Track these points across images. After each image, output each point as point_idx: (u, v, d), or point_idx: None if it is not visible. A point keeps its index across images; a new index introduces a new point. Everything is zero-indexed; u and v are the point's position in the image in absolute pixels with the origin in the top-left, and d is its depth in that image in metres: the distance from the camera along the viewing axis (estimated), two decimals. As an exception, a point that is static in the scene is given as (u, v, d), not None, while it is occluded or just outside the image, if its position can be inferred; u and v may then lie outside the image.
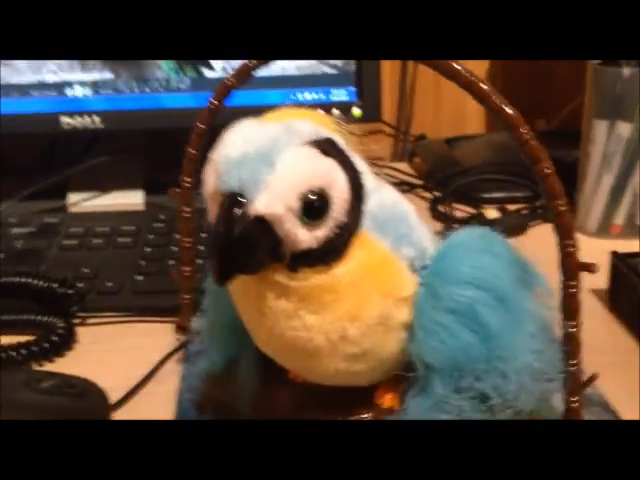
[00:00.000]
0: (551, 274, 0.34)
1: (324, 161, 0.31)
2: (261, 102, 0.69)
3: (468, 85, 0.32)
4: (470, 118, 0.94)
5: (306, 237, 0.31)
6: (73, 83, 0.70)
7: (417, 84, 0.91)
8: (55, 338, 0.52)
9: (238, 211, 0.30)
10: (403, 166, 0.88)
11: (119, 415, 0.45)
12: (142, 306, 0.56)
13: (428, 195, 0.78)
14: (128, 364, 0.50)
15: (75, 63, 0.69)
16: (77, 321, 0.55)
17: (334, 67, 0.71)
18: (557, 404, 0.34)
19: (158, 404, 0.46)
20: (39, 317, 0.53)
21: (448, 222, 0.70)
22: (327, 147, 0.32)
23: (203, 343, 0.41)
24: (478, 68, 0.91)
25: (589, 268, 0.32)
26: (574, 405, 0.33)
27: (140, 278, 0.59)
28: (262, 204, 0.30)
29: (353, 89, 0.71)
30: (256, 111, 0.34)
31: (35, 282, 0.55)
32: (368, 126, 0.90)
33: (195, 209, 0.44)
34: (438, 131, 0.94)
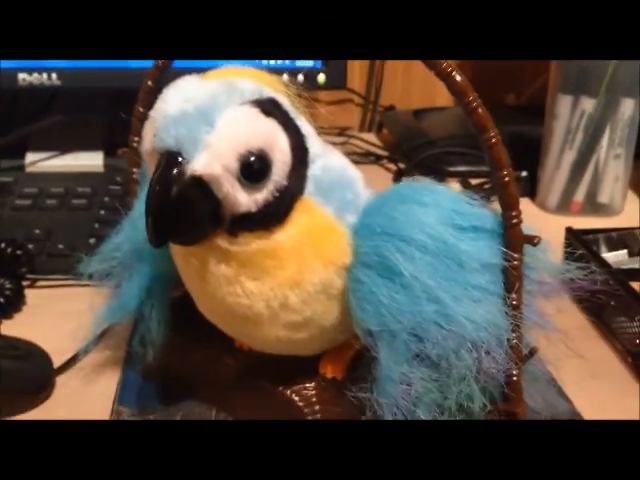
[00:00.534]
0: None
1: (265, 121, 0.30)
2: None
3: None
4: (440, 89, 0.93)
5: (245, 200, 0.30)
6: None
7: (388, 54, 0.90)
8: (2, 299, 0.51)
9: (175, 171, 0.29)
10: (370, 137, 0.87)
11: (63, 379, 0.45)
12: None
13: (393, 167, 0.78)
14: (75, 328, 0.49)
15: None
16: (26, 283, 0.54)
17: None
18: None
19: (102, 369, 0.45)
20: (-14, 278, 0.52)
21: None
22: (270, 108, 0.31)
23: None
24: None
25: (532, 240, 0.31)
26: (514, 378, 0.33)
27: (93, 241, 0.57)
28: (200, 164, 0.29)
29: (319, 55, 0.70)
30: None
31: (-17, 242, 0.53)
32: (336, 94, 0.89)
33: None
34: (408, 102, 0.93)
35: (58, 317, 0.51)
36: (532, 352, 0.34)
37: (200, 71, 0.33)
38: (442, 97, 0.93)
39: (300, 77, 0.67)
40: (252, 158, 0.30)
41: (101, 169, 0.72)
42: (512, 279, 0.32)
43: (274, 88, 0.33)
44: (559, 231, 0.56)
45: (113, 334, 0.49)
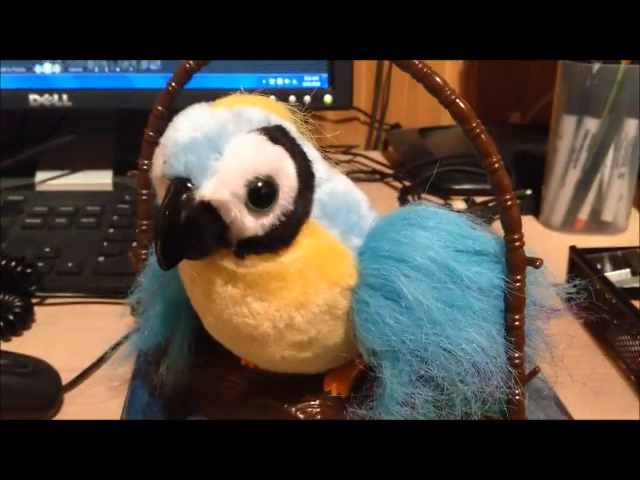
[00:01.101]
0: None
1: (272, 148, 0.31)
2: (232, 86, 0.69)
3: (421, 77, 0.32)
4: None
5: (252, 224, 0.31)
6: (42, 60, 0.69)
7: (393, 72, 0.91)
8: (12, 317, 0.51)
9: (184, 196, 0.30)
10: (376, 155, 0.88)
11: (70, 396, 0.45)
12: (101, 287, 0.56)
13: (399, 185, 0.78)
14: (85, 345, 0.49)
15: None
16: (35, 300, 0.55)
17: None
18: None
19: (110, 387, 0.46)
20: (-4, 295, 0.53)
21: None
22: (277, 135, 0.32)
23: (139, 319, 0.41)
24: (455, 61, 0.91)
25: (535, 263, 0.32)
26: (517, 398, 0.34)
27: (102, 259, 0.58)
28: (208, 190, 0.30)
29: (325, 76, 0.71)
30: (222, 95, 0.34)
31: (-7, 260, 0.54)
32: (343, 113, 0.90)
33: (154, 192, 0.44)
34: (413, 120, 0.93)
35: (67, 334, 0.52)
36: (534, 372, 0.34)
37: (209, 93, 0.34)
38: (447, 116, 0.93)
39: (307, 98, 0.68)
40: (259, 184, 0.30)
41: (110, 188, 0.73)
42: (515, 301, 0.32)
43: (281, 115, 0.33)
44: (563, 249, 0.57)
45: (121, 351, 0.49)
